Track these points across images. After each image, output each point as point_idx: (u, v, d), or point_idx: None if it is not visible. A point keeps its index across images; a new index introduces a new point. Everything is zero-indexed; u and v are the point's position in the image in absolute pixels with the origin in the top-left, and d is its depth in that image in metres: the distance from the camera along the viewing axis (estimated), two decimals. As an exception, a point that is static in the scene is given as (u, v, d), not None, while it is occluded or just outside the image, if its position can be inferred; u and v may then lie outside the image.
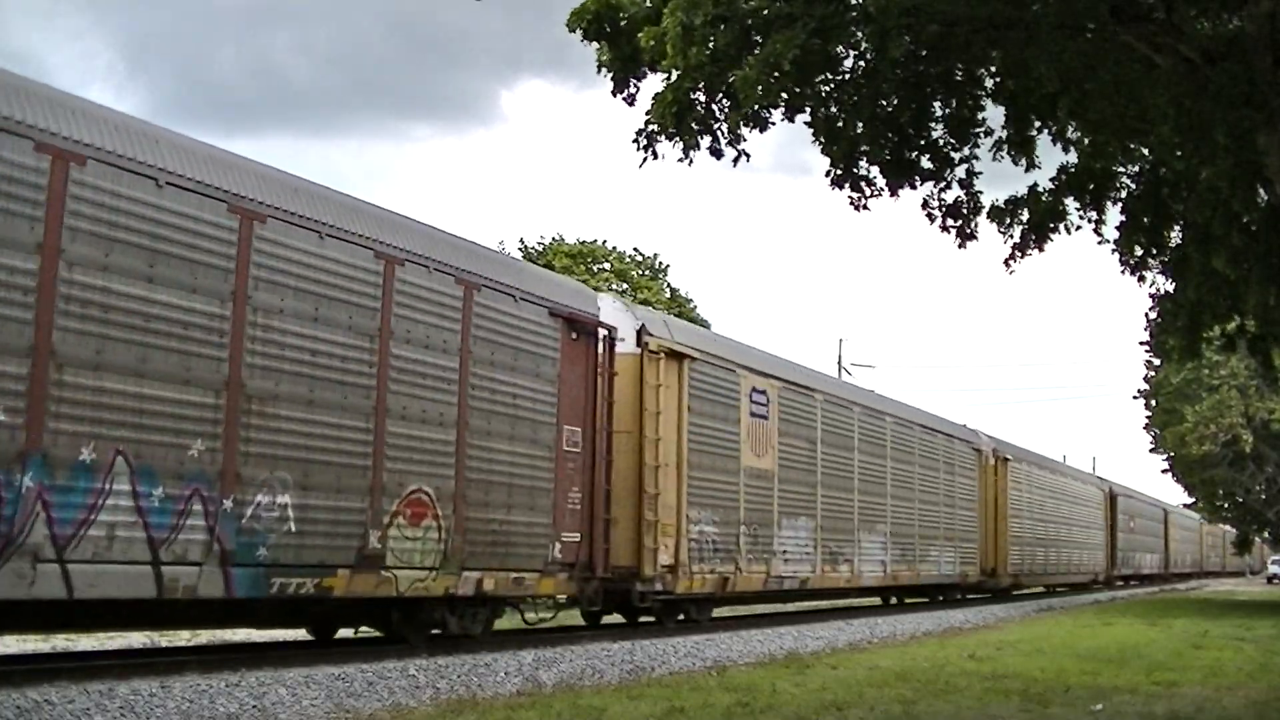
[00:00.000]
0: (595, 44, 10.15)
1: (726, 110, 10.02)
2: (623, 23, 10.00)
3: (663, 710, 9.28)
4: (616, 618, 17.36)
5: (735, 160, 10.25)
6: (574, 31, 10.09)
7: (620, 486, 15.31)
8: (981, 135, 11.25)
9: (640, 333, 16.04)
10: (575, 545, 14.14)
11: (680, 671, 12.38)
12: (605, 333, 15.10)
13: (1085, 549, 40.94)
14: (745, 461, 18.27)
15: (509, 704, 9.40)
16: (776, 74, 9.20)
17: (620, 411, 15.36)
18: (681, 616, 17.48)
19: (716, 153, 10.24)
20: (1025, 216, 12.53)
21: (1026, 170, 11.86)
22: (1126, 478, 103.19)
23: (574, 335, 14.39)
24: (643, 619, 17.21)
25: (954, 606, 27.08)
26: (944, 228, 11.87)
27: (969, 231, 11.95)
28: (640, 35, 9.63)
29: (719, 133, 10.17)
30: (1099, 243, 13.32)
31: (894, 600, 27.45)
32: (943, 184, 11.42)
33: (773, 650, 14.78)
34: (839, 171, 10.74)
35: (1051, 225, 12.58)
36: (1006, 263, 12.57)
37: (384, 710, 9.04)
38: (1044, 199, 12.57)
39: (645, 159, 10.19)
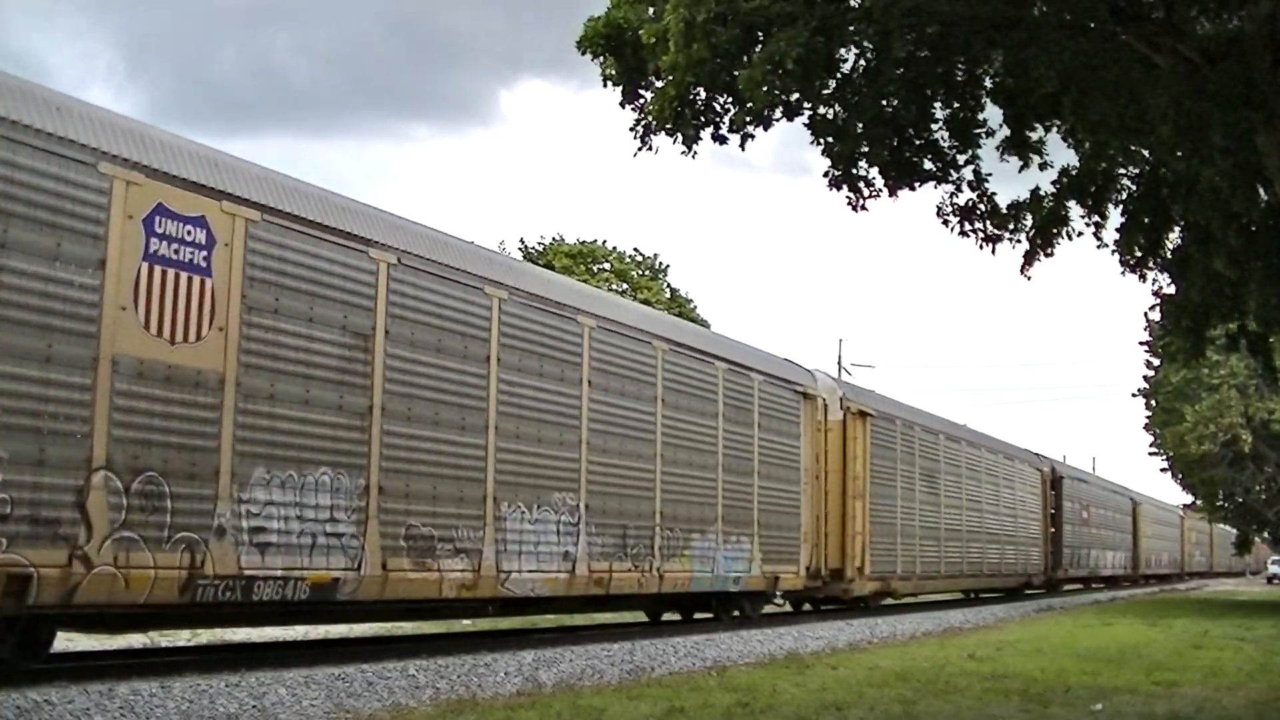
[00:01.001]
0: (601, 59, 10.26)
1: (728, 105, 10.06)
2: (628, 37, 10.09)
3: (663, 710, 9.28)
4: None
5: (742, 144, 10.26)
6: (585, 53, 10.20)
7: None
8: (983, 136, 11.28)
9: None
10: None
11: (680, 671, 12.38)
12: None
13: (1012, 544, 31.71)
14: (121, 346, 9.15)
15: (509, 704, 9.40)
16: (780, 73, 9.23)
17: None
18: None
19: (720, 139, 10.28)
20: (1029, 221, 12.57)
21: (1028, 170, 11.91)
22: (1127, 478, 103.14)
23: None
24: None
25: (950, 607, 26.87)
26: (963, 233, 11.93)
27: (993, 234, 12.01)
28: (642, 32, 9.69)
29: (719, 124, 10.21)
30: (1098, 246, 13.37)
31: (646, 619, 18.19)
32: (952, 187, 11.46)
33: (773, 650, 14.77)
34: (838, 172, 10.76)
35: (1055, 230, 12.62)
36: (1022, 270, 12.65)
37: (384, 710, 9.04)
38: (1046, 203, 12.60)
39: (640, 149, 10.24)
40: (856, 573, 21.56)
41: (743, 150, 10.35)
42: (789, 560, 19.14)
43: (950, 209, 11.78)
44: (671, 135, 10.13)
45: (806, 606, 22.92)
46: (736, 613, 18.40)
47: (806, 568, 19.64)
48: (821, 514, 20.55)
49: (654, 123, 10.06)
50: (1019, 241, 12.49)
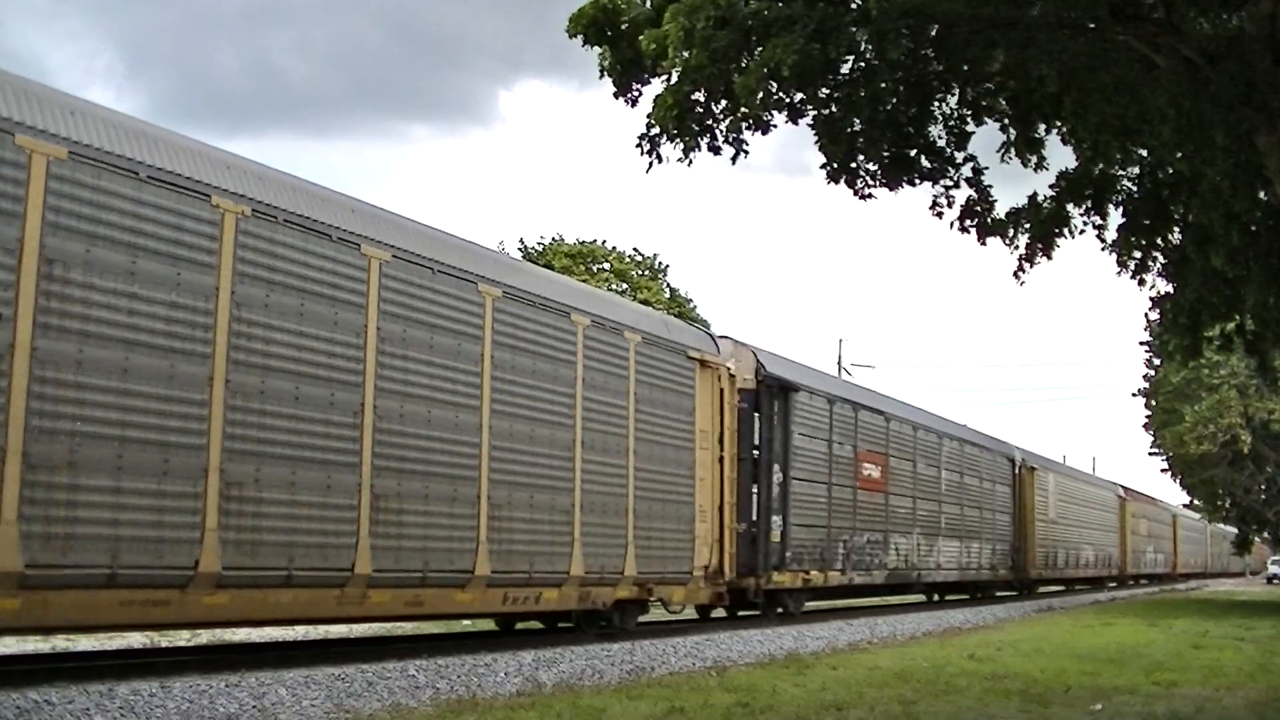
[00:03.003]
0: (597, 48, 10.22)
1: (726, 110, 10.06)
2: (623, 26, 10.05)
3: (663, 710, 9.27)
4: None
5: (734, 158, 10.27)
6: (574, 37, 10.14)
7: None
8: (986, 125, 11.26)
9: None
10: None
11: (680, 671, 12.37)
12: None
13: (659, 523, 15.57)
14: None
15: (509, 704, 9.40)
16: (775, 79, 9.23)
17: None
18: None
19: (715, 149, 10.27)
20: (1028, 227, 12.55)
21: (1029, 171, 11.91)
22: (1128, 478, 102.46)
23: None
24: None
25: (951, 607, 26.85)
26: (963, 229, 11.93)
27: (988, 226, 12.00)
28: (641, 39, 9.67)
29: (718, 131, 10.19)
30: (1102, 248, 13.37)
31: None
32: (949, 183, 11.45)
33: (773, 650, 14.77)
34: (834, 167, 10.75)
35: (1056, 231, 12.61)
36: (1016, 274, 12.62)
37: (384, 710, 9.04)
38: (1045, 207, 12.59)
39: (650, 163, 10.23)
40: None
41: (734, 164, 10.37)
42: None
43: (946, 204, 11.76)
44: (675, 142, 10.13)
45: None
46: None
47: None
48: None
49: (659, 131, 10.06)
50: (1015, 247, 12.48)
